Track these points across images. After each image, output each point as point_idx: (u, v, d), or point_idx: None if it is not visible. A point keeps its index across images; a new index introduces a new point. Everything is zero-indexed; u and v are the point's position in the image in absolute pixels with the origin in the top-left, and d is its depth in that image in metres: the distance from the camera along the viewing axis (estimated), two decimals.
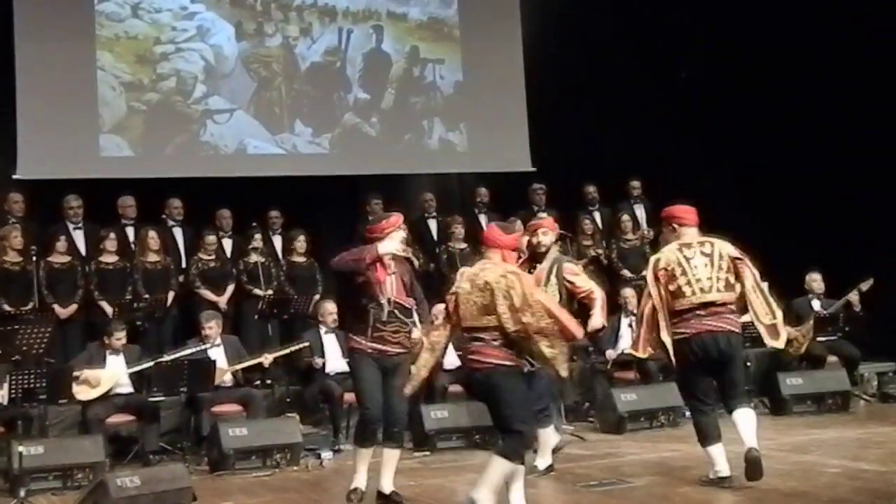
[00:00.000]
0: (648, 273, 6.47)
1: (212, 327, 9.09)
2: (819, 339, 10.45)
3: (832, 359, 10.47)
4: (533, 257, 6.98)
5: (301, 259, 10.87)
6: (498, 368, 5.46)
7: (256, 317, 10.22)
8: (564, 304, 6.62)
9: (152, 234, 10.30)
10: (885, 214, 11.37)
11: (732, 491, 6.23)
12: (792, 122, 12.24)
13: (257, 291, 10.38)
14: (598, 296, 6.91)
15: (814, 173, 11.95)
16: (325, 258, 11.27)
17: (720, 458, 6.32)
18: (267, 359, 9.17)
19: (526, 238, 6.96)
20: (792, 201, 12.25)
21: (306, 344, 9.31)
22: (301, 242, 10.84)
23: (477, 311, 5.47)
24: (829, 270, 10.89)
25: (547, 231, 7.06)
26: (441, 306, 6.42)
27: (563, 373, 5.57)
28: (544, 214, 11.98)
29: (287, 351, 9.36)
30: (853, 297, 10.48)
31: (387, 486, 6.37)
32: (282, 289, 10.59)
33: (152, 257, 10.27)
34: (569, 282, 6.90)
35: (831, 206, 11.79)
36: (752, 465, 6.10)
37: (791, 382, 9.80)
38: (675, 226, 6.54)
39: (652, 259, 6.60)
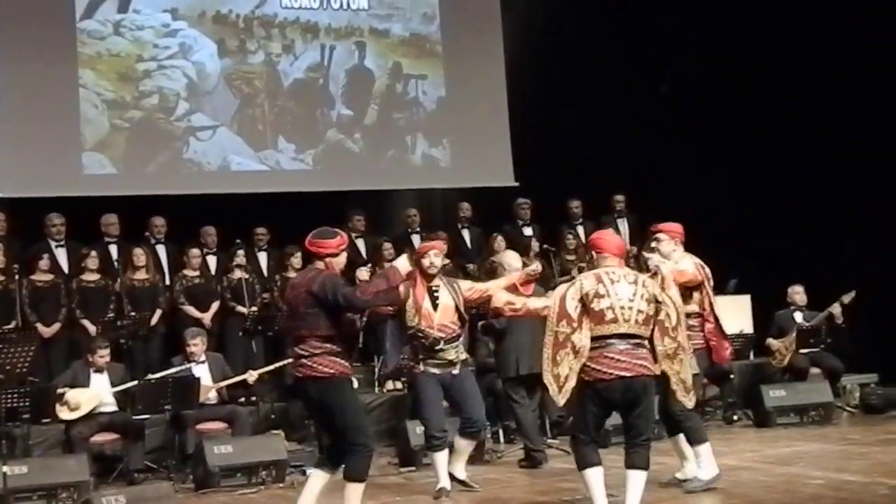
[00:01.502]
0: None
1: (196, 344, 9.07)
2: (802, 351, 10.52)
3: (815, 371, 10.53)
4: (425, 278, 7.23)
5: (295, 274, 10.82)
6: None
7: (241, 333, 10.20)
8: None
9: (138, 251, 10.29)
10: (868, 227, 11.44)
11: (715, 503, 6.27)
12: (776, 136, 12.33)
13: (241, 309, 10.37)
14: (493, 284, 7.27)
15: (797, 187, 12.03)
16: None
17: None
18: (252, 375, 9.16)
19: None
20: (775, 214, 12.32)
21: (290, 360, 9.28)
22: (298, 258, 10.79)
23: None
24: (812, 283, 10.95)
25: (438, 254, 7.37)
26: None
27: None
28: (529, 231, 12.09)
29: (272, 368, 9.35)
30: (835, 309, 10.54)
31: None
32: (265, 305, 10.57)
33: (139, 275, 10.25)
34: (467, 290, 7.26)
35: (814, 218, 11.86)
36: None
37: (774, 394, 9.85)
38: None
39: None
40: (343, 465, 5.89)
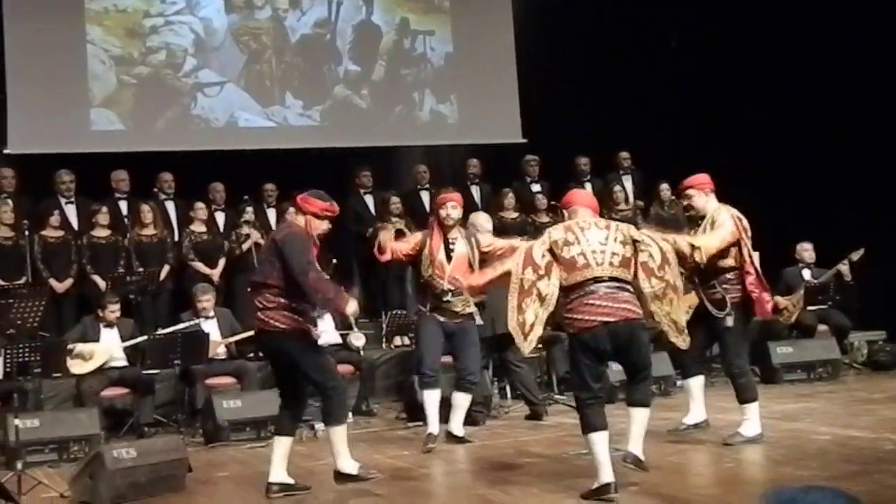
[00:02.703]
0: None
1: (208, 300, 9.13)
2: (809, 308, 10.52)
3: (822, 328, 10.54)
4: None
5: None
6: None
7: (249, 289, 10.18)
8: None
9: (146, 207, 10.30)
10: (877, 185, 11.41)
11: (722, 457, 6.31)
12: (786, 92, 12.25)
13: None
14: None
15: (806, 143, 11.98)
16: None
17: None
18: None
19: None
20: (784, 171, 12.27)
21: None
22: (293, 215, 10.80)
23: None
24: (820, 240, 10.94)
25: (456, 206, 7.43)
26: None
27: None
28: (538, 187, 12.08)
29: None
30: (843, 266, 10.52)
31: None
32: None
33: (147, 231, 10.27)
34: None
35: (823, 176, 11.82)
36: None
37: (781, 351, 9.88)
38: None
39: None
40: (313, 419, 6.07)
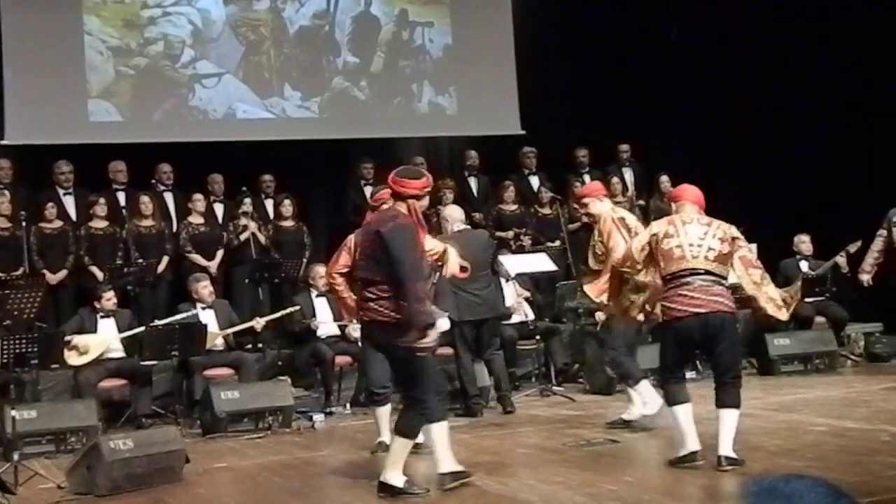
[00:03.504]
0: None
1: (205, 287, 9.13)
2: (807, 300, 10.49)
3: (819, 319, 10.55)
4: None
5: (288, 223, 10.88)
6: None
7: (247, 280, 10.24)
8: None
9: (144, 198, 10.30)
10: (874, 177, 11.40)
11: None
12: (785, 85, 12.23)
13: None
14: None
15: (804, 136, 11.97)
16: (314, 222, 11.37)
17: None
18: (259, 323, 9.22)
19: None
20: (782, 163, 12.27)
21: (297, 308, 9.35)
22: (287, 207, 10.84)
23: None
24: (818, 232, 10.94)
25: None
26: None
27: None
28: (535, 179, 12.09)
29: (278, 315, 9.40)
30: (841, 258, 10.52)
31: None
32: (267, 253, 10.60)
33: (145, 222, 10.28)
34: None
35: (821, 168, 11.82)
36: None
37: (779, 343, 9.90)
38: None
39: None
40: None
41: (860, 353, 10.64)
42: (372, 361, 6.55)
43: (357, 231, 6.10)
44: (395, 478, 5.52)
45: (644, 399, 7.12)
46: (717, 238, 5.79)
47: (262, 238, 10.61)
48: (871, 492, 4.92)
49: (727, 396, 5.79)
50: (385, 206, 5.77)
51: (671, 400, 5.88)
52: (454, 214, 8.21)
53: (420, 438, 5.96)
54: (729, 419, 5.76)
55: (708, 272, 5.73)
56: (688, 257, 5.73)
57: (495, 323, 8.54)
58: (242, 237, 10.46)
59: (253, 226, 10.48)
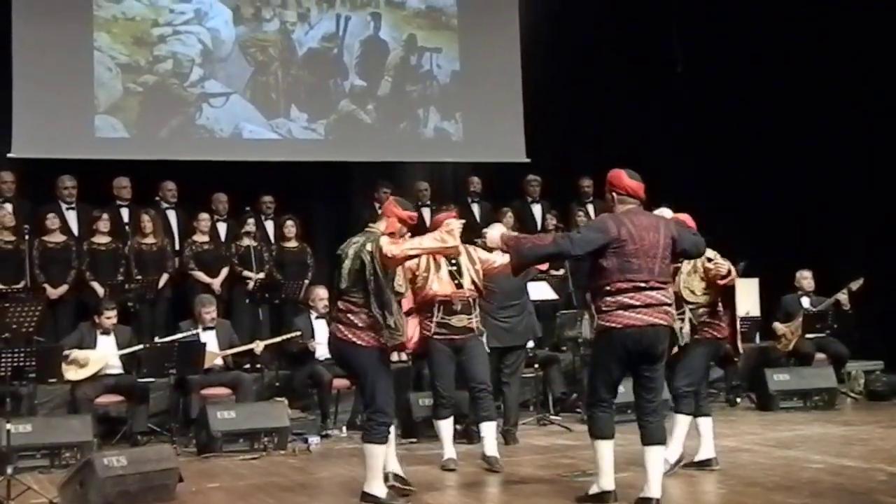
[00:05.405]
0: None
1: (210, 312, 9.14)
2: (808, 336, 10.52)
3: (820, 356, 10.53)
4: None
5: (292, 244, 10.89)
6: None
7: (248, 300, 10.23)
8: None
9: (145, 217, 10.31)
10: (877, 214, 11.41)
11: (713, 483, 6.29)
12: (789, 121, 12.27)
13: (248, 273, 10.38)
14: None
15: (808, 172, 11.99)
16: (317, 244, 11.37)
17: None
18: (259, 346, 9.22)
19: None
20: (784, 199, 12.28)
21: (298, 333, 9.34)
22: (290, 228, 10.85)
23: None
24: (820, 268, 10.93)
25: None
26: None
27: None
28: (538, 207, 12.09)
29: (279, 340, 9.39)
30: (843, 295, 10.52)
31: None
32: (271, 274, 10.61)
33: (147, 239, 10.28)
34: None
35: (824, 204, 11.83)
36: None
37: (778, 378, 9.87)
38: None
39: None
40: None
41: (860, 390, 10.61)
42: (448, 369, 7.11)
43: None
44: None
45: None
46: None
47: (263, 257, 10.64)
48: None
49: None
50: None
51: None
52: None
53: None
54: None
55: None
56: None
57: (522, 352, 8.49)
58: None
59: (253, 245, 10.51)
